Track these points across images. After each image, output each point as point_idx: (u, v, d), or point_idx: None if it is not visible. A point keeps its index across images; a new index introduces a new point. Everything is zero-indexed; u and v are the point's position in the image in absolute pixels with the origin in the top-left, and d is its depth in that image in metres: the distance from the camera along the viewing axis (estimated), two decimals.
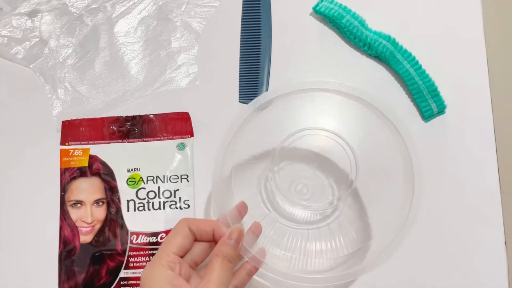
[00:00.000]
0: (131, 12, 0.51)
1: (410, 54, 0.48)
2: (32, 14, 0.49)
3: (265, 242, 0.42)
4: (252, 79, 0.49)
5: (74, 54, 0.50)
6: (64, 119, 0.47)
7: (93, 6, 0.50)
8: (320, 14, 0.50)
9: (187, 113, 0.47)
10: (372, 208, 0.44)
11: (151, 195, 0.45)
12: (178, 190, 0.46)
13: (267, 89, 0.49)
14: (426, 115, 0.47)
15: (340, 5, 0.49)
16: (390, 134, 0.42)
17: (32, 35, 0.49)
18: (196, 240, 0.37)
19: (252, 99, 0.48)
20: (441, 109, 0.47)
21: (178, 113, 0.47)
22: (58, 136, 0.47)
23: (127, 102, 0.49)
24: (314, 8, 0.50)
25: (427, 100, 0.47)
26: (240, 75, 0.49)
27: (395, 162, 0.42)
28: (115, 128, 0.47)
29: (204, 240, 0.37)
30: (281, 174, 0.44)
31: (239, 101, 0.49)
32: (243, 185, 0.45)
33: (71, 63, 0.49)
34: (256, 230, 0.39)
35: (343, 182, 0.44)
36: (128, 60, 0.50)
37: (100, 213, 0.44)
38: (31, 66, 0.49)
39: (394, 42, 0.48)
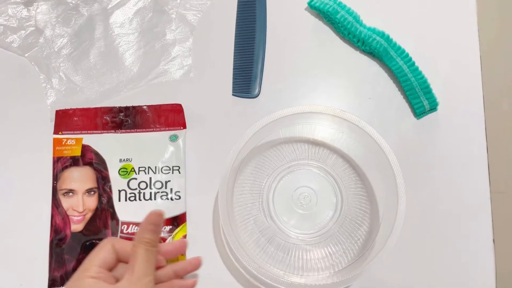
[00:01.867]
0: (126, 3, 0.51)
1: (403, 51, 0.48)
2: (28, 3, 0.50)
3: (264, 255, 0.44)
4: (246, 73, 0.49)
5: (69, 44, 0.50)
6: (58, 109, 0.47)
7: None
8: (315, 9, 0.50)
9: (180, 105, 0.48)
10: (365, 220, 0.45)
11: (143, 185, 0.46)
12: (169, 181, 0.46)
13: (260, 83, 0.49)
14: (418, 112, 0.48)
15: (335, 0, 0.49)
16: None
17: (27, 24, 0.49)
18: (120, 260, 0.36)
19: (245, 93, 0.49)
20: (433, 106, 0.47)
21: (171, 105, 0.48)
22: (51, 126, 0.47)
23: (121, 93, 0.49)
24: (309, 3, 0.50)
25: (419, 97, 0.47)
26: (234, 69, 0.50)
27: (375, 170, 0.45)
28: (108, 119, 0.47)
29: (127, 261, 0.36)
30: (280, 187, 0.47)
31: (233, 95, 0.49)
32: (244, 195, 0.46)
33: (66, 53, 0.49)
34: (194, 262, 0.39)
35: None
36: (122, 51, 0.50)
37: (92, 202, 0.45)
38: (26, 55, 0.49)
39: (388, 39, 0.48)
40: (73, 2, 0.50)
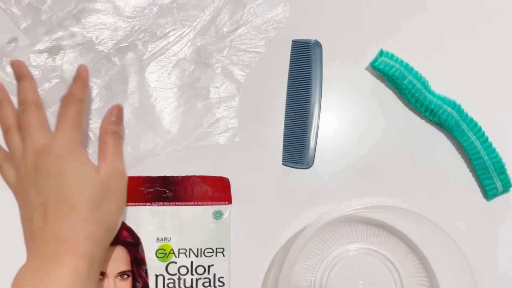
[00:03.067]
0: (165, 53, 0.45)
1: (476, 124, 0.43)
2: (53, 51, 0.43)
3: None
4: (298, 140, 0.44)
5: (99, 98, 0.44)
6: None
7: (122, 45, 0.44)
8: (378, 71, 0.44)
9: (226, 179, 0.42)
10: None
11: (183, 270, 0.40)
12: (212, 265, 0.41)
13: (314, 152, 0.44)
14: (490, 194, 0.43)
15: (401, 62, 0.44)
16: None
17: (52, 75, 0.43)
18: None
19: (297, 163, 0.44)
20: (507, 188, 0.43)
21: (216, 177, 0.42)
22: None
23: (157, 157, 0.43)
24: (371, 64, 0.44)
25: (492, 178, 0.43)
26: (285, 135, 0.44)
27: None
28: (143, 189, 0.42)
29: None
30: (335, 274, 0.42)
31: (283, 164, 0.44)
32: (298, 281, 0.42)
33: (95, 108, 0.44)
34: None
35: None
36: (160, 108, 0.44)
37: None
38: (49, 110, 0.43)
39: (459, 110, 0.43)
40: (105, 50, 0.44)
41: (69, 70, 0.44)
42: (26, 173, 0.37)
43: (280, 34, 0.45)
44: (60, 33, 0.44)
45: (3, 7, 0.44)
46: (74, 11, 0.44)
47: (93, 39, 0.44)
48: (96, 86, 0.44)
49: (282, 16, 0.45)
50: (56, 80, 0.43)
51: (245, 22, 0.45)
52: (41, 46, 0.43)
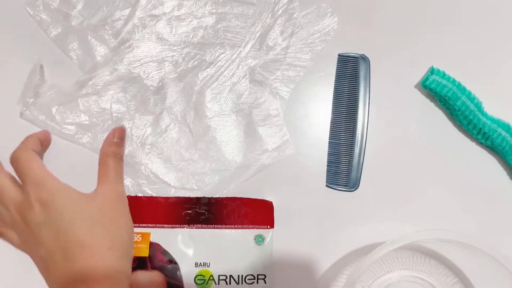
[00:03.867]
0: (218, 79, 0.42)
1: None
2: (101, 92, 0.40)
3: None
4: (342, 161, 0.42)
5: (152, 135, 0.41)
6: None
7: (171, 76, 0.41)
8: (430, 90, 0.42)
9: (270, 202, 0.40)
10: None
11: None
12: None
13: (360, 173, 0.42)
14: None
15: (454, 81, 0.41)
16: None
17: (102, 118, 0.40)
18: None
19: (342, 185, 0.42)
20: None
21: (258, 200, 0.40)
22: None
23: (224, 191, 0.41)
24: (422, 82, 0.42)
25: None
26: (329, 155, 0.42)
27: None
28: (181, 210, 0.40)
29: None
30: None
31: (326, 186, 0.42)
32: None
33: (151, 144, 0.41)
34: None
35: None
36: (221, 140, 0.41)
37: None
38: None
39: None
40: (154, 84, 0.41)
41: (119, 111, 0.41)
42: (20, 231, 0.34)
43: (326, 47, 0.43)
44: (106, 72, 0.41)
45: (31, 13, 0.41)
46: (108, 20, 0.41)
47: (141, 74, 0.41)
48: (149, 123, 0.41)
49: (330, 28, 0.43)
50: (109, 123, 0.41)
51: (291, 34, 0.42)
52: (88, 89, 0.40)
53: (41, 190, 0.33)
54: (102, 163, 0.37)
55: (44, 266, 0.33)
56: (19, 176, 0.34)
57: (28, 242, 0.34)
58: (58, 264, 0.32)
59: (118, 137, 0.38)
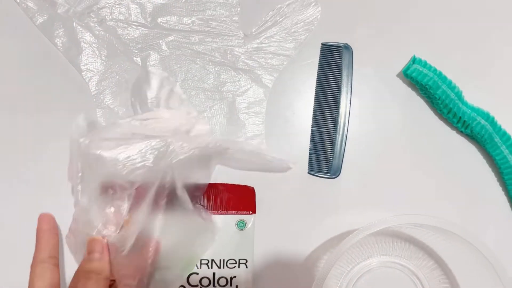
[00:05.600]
0: (190, 55, 0.43)
1: (509, 138, 0.42)
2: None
3: None
4: (324, 148, 0.43)
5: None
6: None
7: (144, 44, 0.42)
8: (411, 79, 0.43)
9: (252, 188, 0.41)
10: None
11: (205, 282, 0.39)
12: (235, 277, 0.40)
13: (341, 161, 0.42)
14: None
15: (435, 71, 0.42)
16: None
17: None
18: None
19: (324, 172, 0.42)
20: None
21: (240, 186, 0.41)
22: None
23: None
24: (404, 71, 0.43)
25: None
26: (311, 142, 0.43)
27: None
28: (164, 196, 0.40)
29: None
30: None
31: (309, 173, 0.42)
32: None
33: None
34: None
35: None
36: None
37: None
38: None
39: (493, 122, 0.41)
40: (127, 49, 0.42)
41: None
42: None
43: (310, 36, 0.43)
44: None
45: (18, 0, 0.42)
46: (94, 8, 0.42)
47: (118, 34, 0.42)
48: (116, 87, 0.42)
49: (313, 17, 0.43)
50: None
51: (274, 23, 0.43)
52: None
53: None
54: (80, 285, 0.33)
55: None
56: None
57: None
58: None
59: (98, 251, 0.35)
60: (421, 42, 0.44)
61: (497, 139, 0.42)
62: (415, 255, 0.42)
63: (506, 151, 0.42)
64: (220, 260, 0.40)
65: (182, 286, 0.39)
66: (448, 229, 0.36)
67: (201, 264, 0.39)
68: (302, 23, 0.43)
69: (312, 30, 0.43)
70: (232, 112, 0.42)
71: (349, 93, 0.43)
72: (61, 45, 0.42)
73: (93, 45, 0.42)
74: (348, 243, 0.35)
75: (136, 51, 0.42)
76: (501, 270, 0.36)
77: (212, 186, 0.41)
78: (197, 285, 0.39)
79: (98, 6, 0.42)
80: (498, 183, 0.43)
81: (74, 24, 0.42)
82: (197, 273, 0.39)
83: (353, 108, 0.43)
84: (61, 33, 0.42)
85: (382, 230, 0.40)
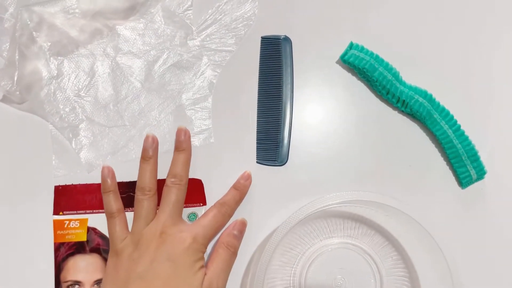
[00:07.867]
0: (132, 54, 0.44)
1: (448, 113, 0.43)
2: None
3: None
4: (271, 137, 0.44)
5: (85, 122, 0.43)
6: (57, 184, 0.41)
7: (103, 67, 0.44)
8: (349, 64, 0.44)
9: (199, 180, 0.42)
10: None
11: None
12: None
13: (288, 149, 0.44)
14: (464, 182, 0.43)
15: (372, 54, 0.43)
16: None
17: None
18: None
19: (271, 160, 0.43)
20: (481, 176, 0.43)
21: (189, 179, 0.42)
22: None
23: (131, 162, 0.43)
24: (341, 57, 0.44)
25: (465, 166, 0.43)
26: (258, 132, 0.44)
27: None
28: None
29: None
30: (313, 270, 0.42)
31: (257, 162, 0.43)
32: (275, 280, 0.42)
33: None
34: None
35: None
36: (132, 112, 0.43)
37: None
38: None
39: (431, 99, 0.43)
40: (86, 76, 0.43)
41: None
42: (146, 246, 0.37)
43: (250, 31, 0.45)
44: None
45: None
46: (36, 20, 0.43)
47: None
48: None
49: (251, 13, 0.45)
50: None
51: (214, 21, 0.44)
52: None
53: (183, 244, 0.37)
54: (215, 250, 0.39)
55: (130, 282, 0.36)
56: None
57: (137, 253, 0.37)
58: None
59: (237, 230, 0.40)
60: (358, 29, 0.45)
61: (436, 115, 0.43)
62: (366, 234, 0.43)
63: (445, 126, 0.43)
64: None
65: None
66: (388, 204, 0.37)
67: None
68: (241, 19, 0.45)
69: (251, 25, 0.45)
70: (178, 109, 0.43)
71: (291, 83, 0.45)
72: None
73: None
74: (287, 225, 0.37)
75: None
76: (442, 244, 0.38)
77: (162, 182, 0.42)
78: None
79: (40, 19, 0.43)
80: (442, 158, 0.44)
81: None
82: None
83: (296, 97, 0.45)
84: (8, 47, 0.43)
85: (332, 213, 0.41)
